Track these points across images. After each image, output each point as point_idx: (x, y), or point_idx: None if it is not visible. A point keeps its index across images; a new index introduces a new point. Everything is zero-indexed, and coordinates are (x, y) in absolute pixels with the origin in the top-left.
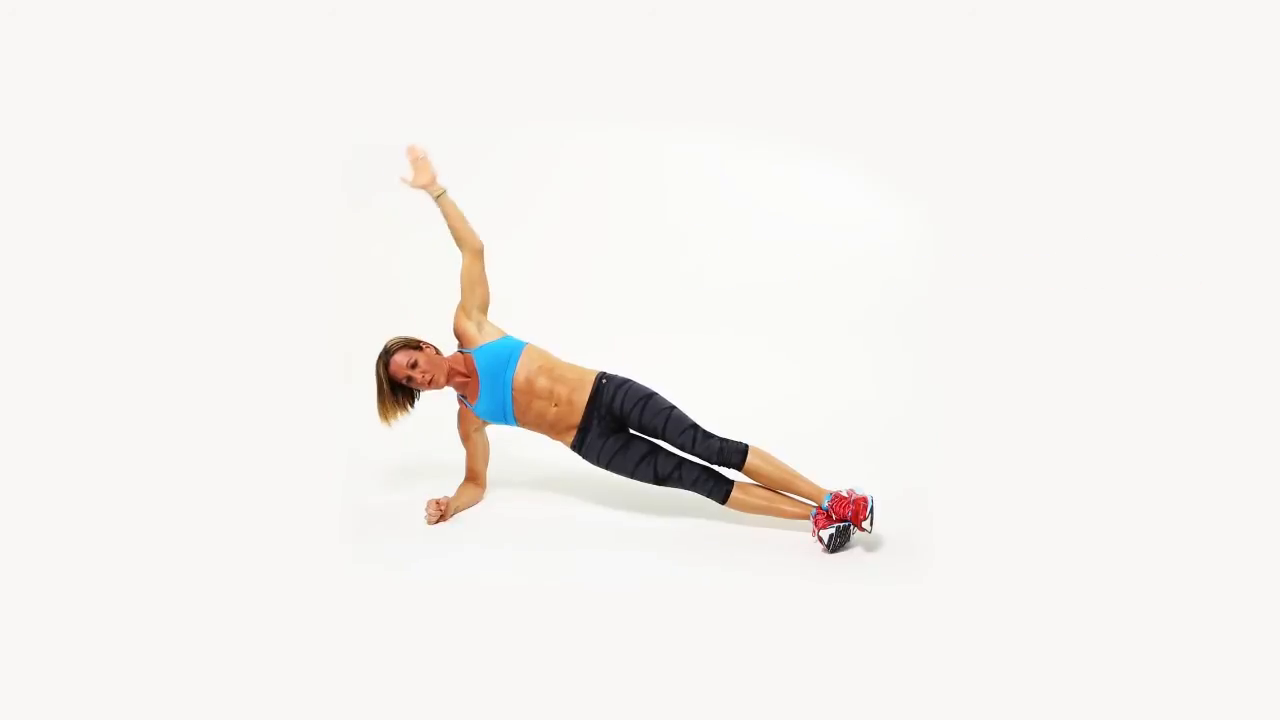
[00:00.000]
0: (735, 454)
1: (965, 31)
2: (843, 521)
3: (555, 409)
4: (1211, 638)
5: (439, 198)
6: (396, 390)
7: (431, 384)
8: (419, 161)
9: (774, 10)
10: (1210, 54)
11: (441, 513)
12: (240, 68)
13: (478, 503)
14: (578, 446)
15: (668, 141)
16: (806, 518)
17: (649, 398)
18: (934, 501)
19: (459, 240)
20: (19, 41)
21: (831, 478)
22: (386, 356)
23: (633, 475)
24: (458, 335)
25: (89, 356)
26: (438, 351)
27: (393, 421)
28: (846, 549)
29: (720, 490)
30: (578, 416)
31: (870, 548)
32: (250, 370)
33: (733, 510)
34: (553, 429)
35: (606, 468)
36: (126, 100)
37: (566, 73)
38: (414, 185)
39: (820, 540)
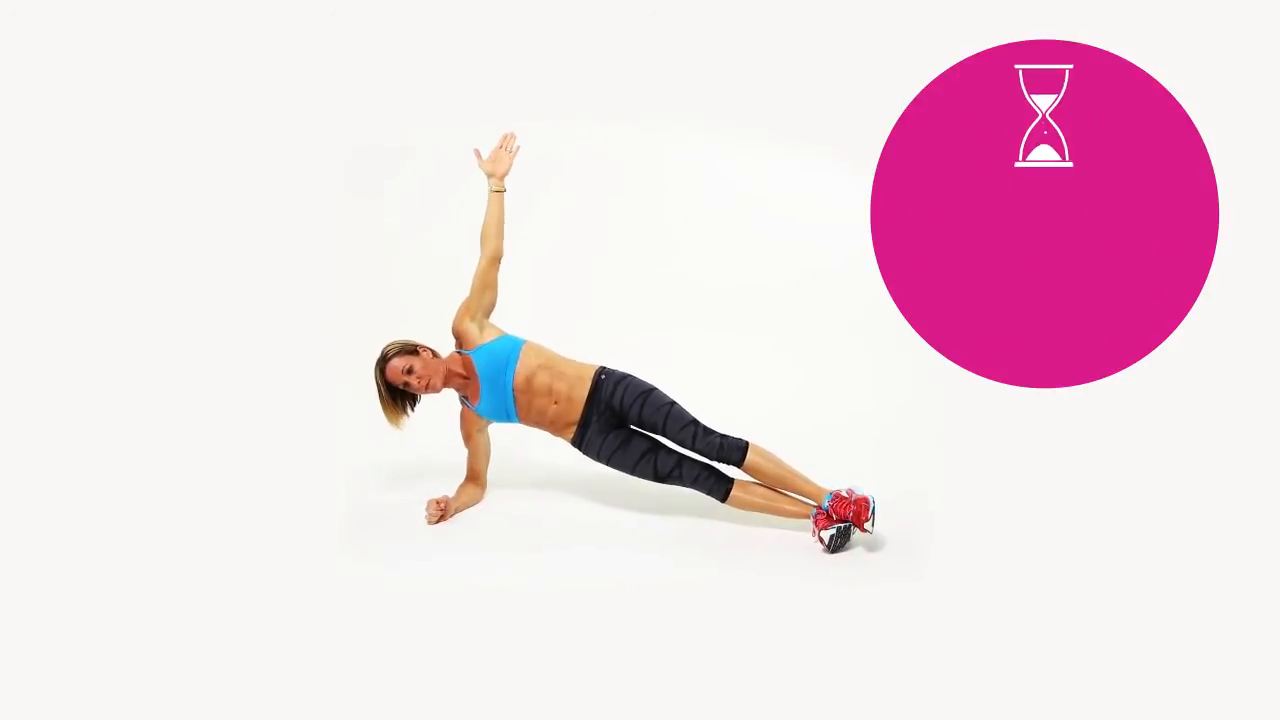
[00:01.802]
0: (735, 450)
1: (966, 30)
2: (844, 522)
3: (555, 406)
4: (1211, 636)
5: (496, 192)
6: (396, 395)
7: (429, 388)
8: (504, 154)
9: (775, 10)
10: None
11: (442, 512)
12: (240, 68)
13: (478, 502)
14: (578, 443)
15: (669, 141)
16: (807, 517)
17: (649, 393)
18: (934, 501)
19: (485, 239)
20: (19, 41)
21: (832, 477)
22: (383, 363)
23: (633, 472)
24: (456, 335)
25: (90, 357)
26: (434, 354)
27: (401, 423)
28: (847, 549)
29: (720, 488)
30: (577, 413)
31: (870, 547)
32: (250, 371)
33: (733, 508)
34: (553, 425)
35: (607, 464)
36: (126, 100)
37: (566, 73)
38: (483, 167)
39: (820, 540)
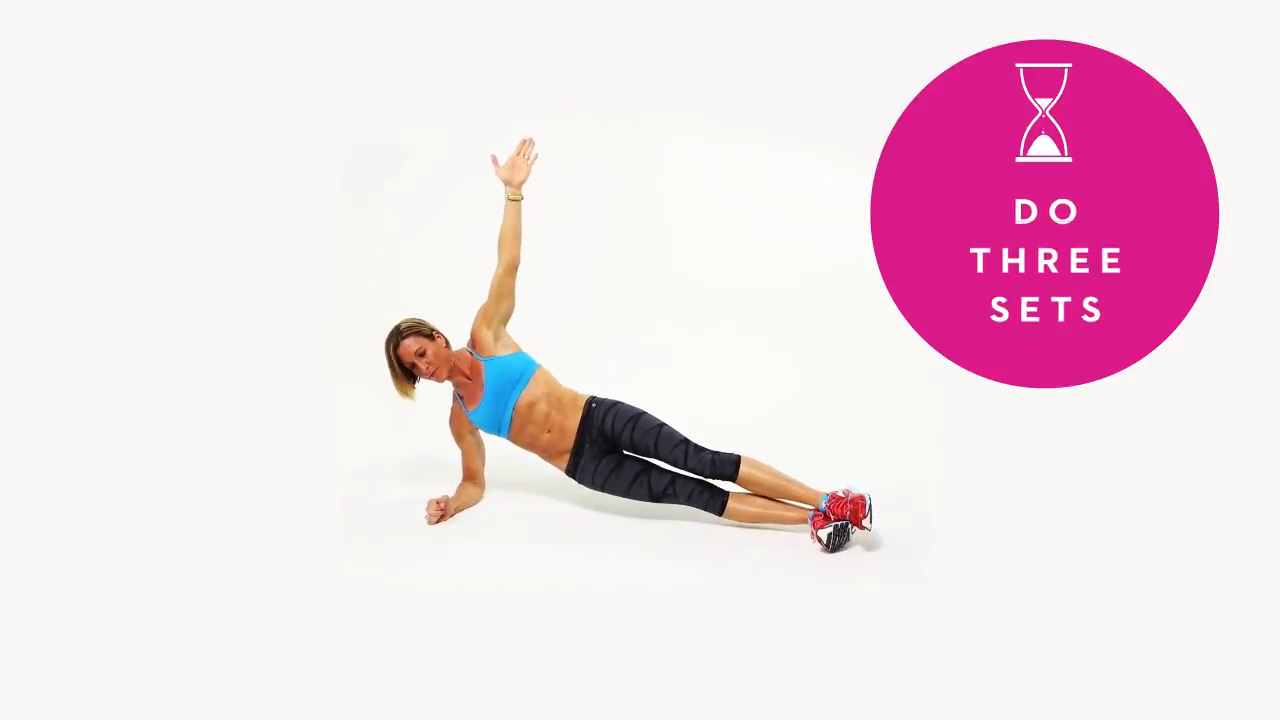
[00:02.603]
0: (728, 465)
1: (966, 30)
2: (841, 520)
3: (548, 435)
4: (1211, 635)
5: (513, 201)
6: (402, 369)
7: (434, 376)
8: (523, 161)
9: (775, 10)
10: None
11: (442, 512)
12: (240, 68)
13: (478, 502)
14: (572, 472)
15: (669, 141)
16: (804, 522)
17: (638, 417)
18: (933, 501)
19: (503, 247)
20: (19, 42)
21: (832, 476)
22: (397, 338)
23: (628, 495)
24: (473, 337)
25: (89, 358)
26: (447, 344)
27: (413, 395)
28: (845, 548)
29: (716, 502)
30: (569, 442)
31: (869, 547)
32: (250, 370)
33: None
34: (545, 453)
35: (601, 489)
36: (127, 101)
37: (566, 73)
38: (500, 175)
39: (819, 540)
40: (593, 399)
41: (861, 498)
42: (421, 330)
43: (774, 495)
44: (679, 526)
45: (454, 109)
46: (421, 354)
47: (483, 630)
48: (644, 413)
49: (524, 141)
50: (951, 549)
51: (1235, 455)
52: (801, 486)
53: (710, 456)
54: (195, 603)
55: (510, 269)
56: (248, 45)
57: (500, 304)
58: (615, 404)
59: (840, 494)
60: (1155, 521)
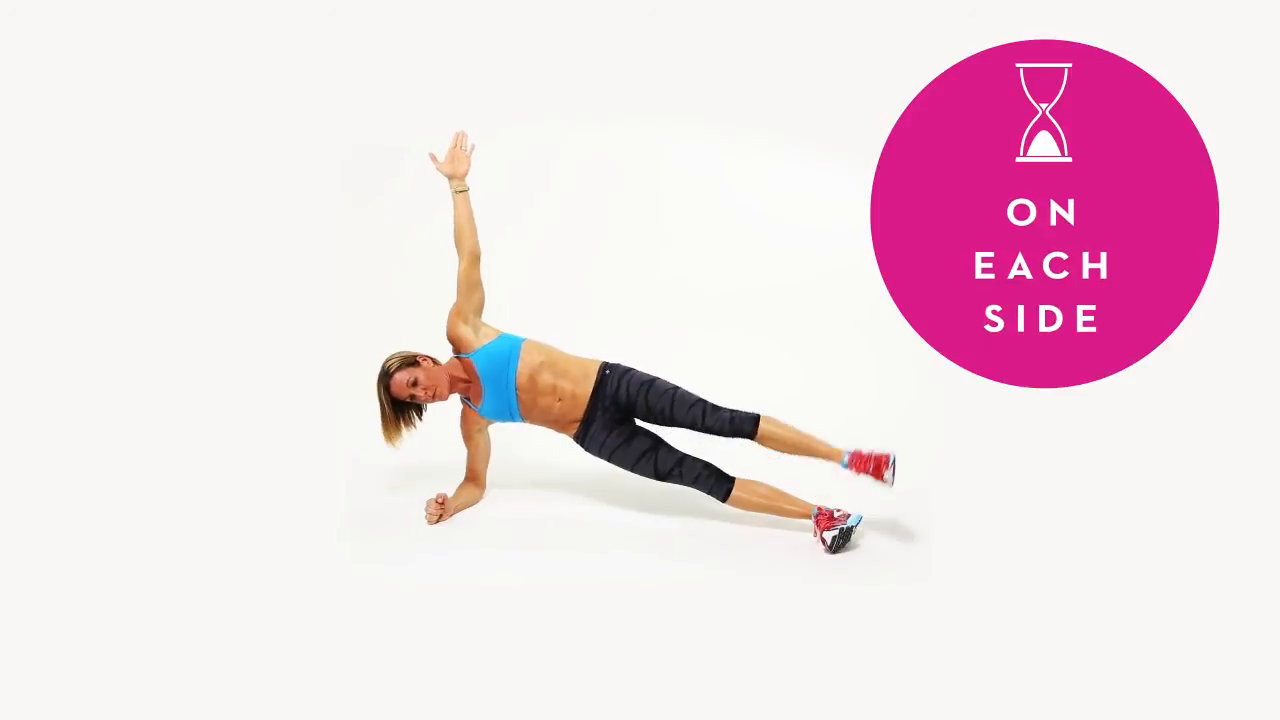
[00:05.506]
0: (747, 422)
1: (966, 30)
2: (863, 472)
3: (560, 404)
4: (1211, 634)
5: (459, 193)
6: (400, 409)
7: (435, 396)
8: (462, 153)
9: (775, 10)
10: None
11: (441, 511)
12: (240, 68)
13: (477, 502)
14: (580, 439)
15: (668, 141)
16: (808, 517)
17: (652, 381)
18: (934, 501)
19: (460, 240)
20: (19, 42)
21: (832, 478)
22: (386, 378)
23: (634, 469)
24: (452, 341)
25: (89, 360)
26: (435, 362)
27: (398, 441)
28: (847, 550)
29: (721, 488)
30: (581, 410)
31: (870, 548)
32: (250, 371)
33: (734, 509)
34: (557, 423)
35: (609, 460)
36: (126, 101)
37: (567, 72)
38: (441, 170)
39: (822, 541)
40: (605, 365)
41: (885, 455)
42: (406, 360)
43: (794, 452)
44: (680, 525)
45: (454, 109)
46: (414, 383)
47: (481, 630)
48: (658, 378)
49: (458, 134)
50: (952, 549)
51: (1235, 455)
52: (821, 444)
53: (729, 414)
54: (196, 601)
55: (474, 260)
56: (248, 45)
57: (471, 297)
58: (629, 370)
59: (864, 452)
60: (1155, 521)
